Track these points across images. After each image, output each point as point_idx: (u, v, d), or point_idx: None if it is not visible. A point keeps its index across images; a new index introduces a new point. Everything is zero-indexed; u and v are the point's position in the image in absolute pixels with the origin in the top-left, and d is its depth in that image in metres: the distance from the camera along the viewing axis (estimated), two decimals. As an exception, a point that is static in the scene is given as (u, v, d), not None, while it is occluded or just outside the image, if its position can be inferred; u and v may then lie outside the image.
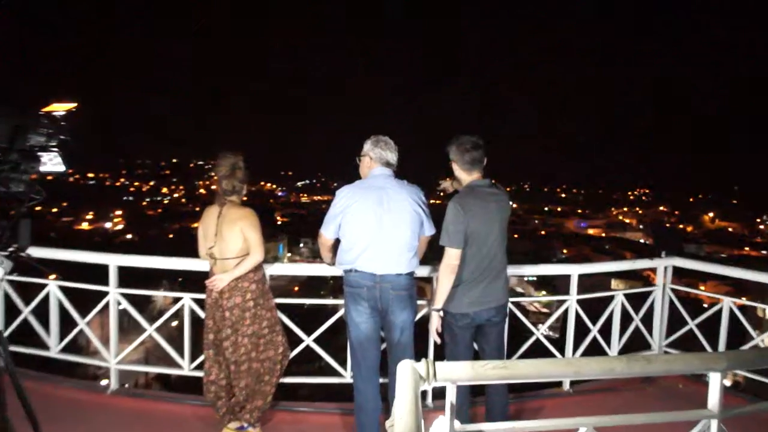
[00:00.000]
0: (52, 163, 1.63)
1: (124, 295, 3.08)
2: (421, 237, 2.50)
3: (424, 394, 2.87)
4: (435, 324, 2.40)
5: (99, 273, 3.04)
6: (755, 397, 3.18)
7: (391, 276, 2.37)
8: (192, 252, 2.80)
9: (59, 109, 1.63)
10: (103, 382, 3.25)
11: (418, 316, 2.70)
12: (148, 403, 3.01)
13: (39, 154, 1.59)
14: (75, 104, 1.63)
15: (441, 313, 2.39)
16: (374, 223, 2.34)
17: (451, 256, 2.28)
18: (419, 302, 2.70)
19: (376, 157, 2.46)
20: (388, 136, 2.51)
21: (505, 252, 2.43)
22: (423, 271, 2.80)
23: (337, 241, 2.49)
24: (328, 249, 2.59)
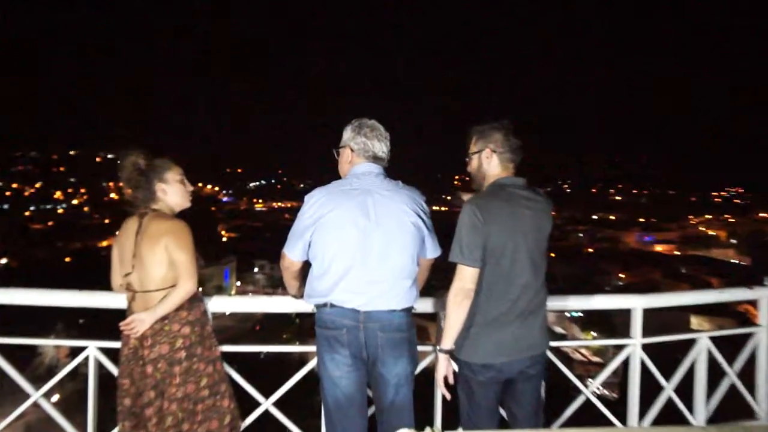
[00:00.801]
0: None
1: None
2: (422, 259, 2.53)
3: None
4: (443, 371, 2.41)
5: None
6: None
7: (381, 313, 2.38)
8: (101, 282, 2.77)
9: None
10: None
11: (420, 367, 2.71)
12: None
13: None
14: None
15: (449, 356, 2.40)
16: (357, 240, 2.36)
17: (465, 278, 2.31)
18: (420, 348, 2.71)
19: (360, 148, 2.50)
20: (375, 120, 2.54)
21: (545, 280, 2.47)
22: (425, 306, 2.82)
23: (307, 265, 2.50)
24: (293, 276, 2.60)
